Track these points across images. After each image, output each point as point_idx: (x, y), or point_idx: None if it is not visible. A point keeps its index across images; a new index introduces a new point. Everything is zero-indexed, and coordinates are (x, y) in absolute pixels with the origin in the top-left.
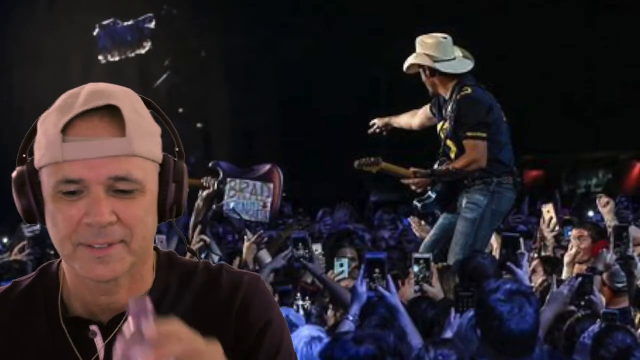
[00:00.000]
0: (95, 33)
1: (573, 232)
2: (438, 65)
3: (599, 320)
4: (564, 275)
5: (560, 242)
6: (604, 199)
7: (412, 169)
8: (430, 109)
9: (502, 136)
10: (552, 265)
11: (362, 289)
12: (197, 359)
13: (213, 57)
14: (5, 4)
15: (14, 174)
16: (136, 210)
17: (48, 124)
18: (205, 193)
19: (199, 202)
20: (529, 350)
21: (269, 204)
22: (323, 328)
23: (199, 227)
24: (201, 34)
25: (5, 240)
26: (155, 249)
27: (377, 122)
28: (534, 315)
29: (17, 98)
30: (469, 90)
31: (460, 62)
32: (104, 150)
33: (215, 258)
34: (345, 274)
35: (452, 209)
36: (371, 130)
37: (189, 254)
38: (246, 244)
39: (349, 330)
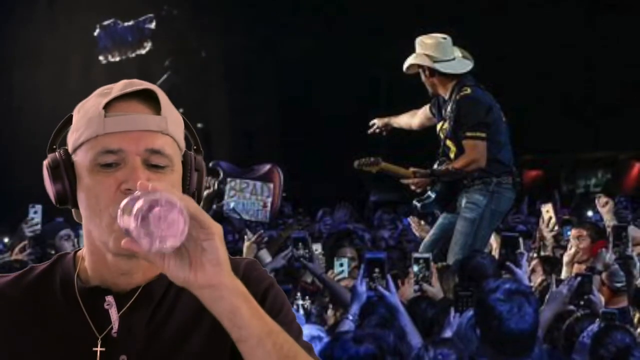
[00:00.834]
0: (96, 33)
1: (572, 232)
2: (438, 66)
3: (598, 319)
4: (563, 275)
5: (560, 242)
6: (603, 199)
7: (411, 169)
8: (430, 109)
9: (502, 136)
10: (551, 265)
11: (362, 288)
12: (201, 215)
13: (213, 57)
14: (5, 4)
15: (46, 160)
16: (167, 185)
17: (87, 107)
18: (205, 193)
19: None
20: (528, 350)
21: (269, 204)
22: (323, 327)
23: None
24: (201, 34)
25: (6, 240)
26: None
27: (377, 122)
28: (533, 314)
29: (17, 98)
30: (469, 91)
31: (459, 62)
32: (142, 125)
33: None
34: (345, 274)
35: (452, 208)
36: (371, 130)
37: None
38: (246, 243)
39: (348, 330)
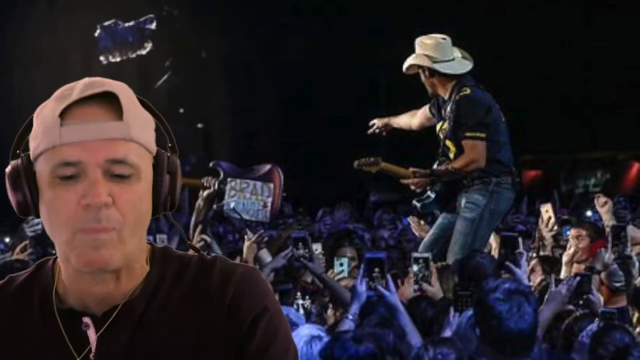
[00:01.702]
0: (96, 34)
1: (571, 232)
2: (437, 66)
3: (597, 319)
4: (563, 274)
5: (559, 242)
6: (602, 199)
7: (411, 169)
8: (430, 109)
9: (501, 136)
10: (550, 264)
11: (362, 288)
12: None
13: (213, 58)
14: (5, 4)
15: (8, 169)
16: (131, 196)
17: (45, 113)
18: (205, 193)
19: (199, 202)
20: (527, 349)
21: (269, 204)
22: (323, 327)
23: (199, 227)
24: (202, 35)
25: (7, 239)
26: (150, 243)
27: (376, 122)
28: (532, 314)
29: (17, 98)
30: (468, 91)
31: (459, 62)
32: (102, 133)
33: None
34: (345, 274)
35: (451, 208)
36: (371, 130)
37: (191, 251)
38: (247, 243)
39: (348, 329)
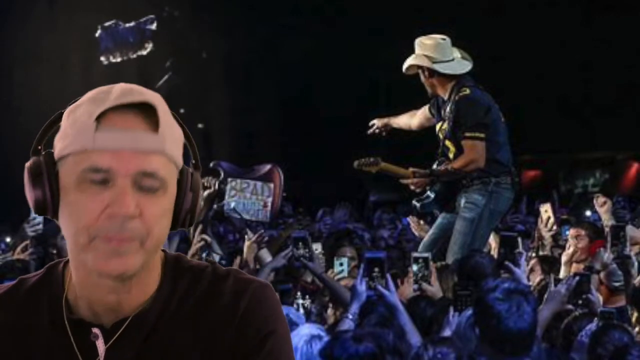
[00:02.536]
0: (97, 34)
1: (570, 232)
2: (437, 67)
3: (596, 318)
4: (562, 274)
5: (558, 242)
6: (601, 199)
7: (411, 169)
8: (429, 109)
9: (500, 136)
10: (549, 264)
11: (362, 287)
12: None
13: (214, 58)
14: (5, 4)
15: (28, 163)
16: (157, 209)
17: (79, 114)
18: (206, 193)
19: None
20: (527, 349)
21: (269, 204)
22: (323, 327)
23: (200, 227)
24: (202, 35)
25: (8, 239)
26: (164, 251)
27: (376, 122)
28: (531, 313)
29: (17, 98)
30: (468, 91)
31: (458, 63)
32: (136, 143)
33: (216, 257)
34: (345, 273)
35: (451, 208)
36: (371, 130)
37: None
38: (247, 243)
39: (348, 329)
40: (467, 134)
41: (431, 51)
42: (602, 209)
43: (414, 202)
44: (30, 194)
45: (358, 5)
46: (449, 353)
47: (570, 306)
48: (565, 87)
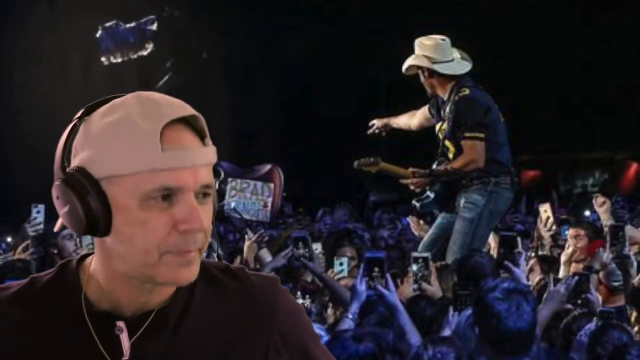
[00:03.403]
0: (98, 35)
1: (570, 232)
2: (436, 67)
3: (595, 318)
4: (561, 274)
5: (557, 242)
6: (601, 199)
7: (411, 169)
8: (429, 109)
9: (500, 136)
10: (549, 264)
11: (362, 287)
12: None
13: (214, 58)
14: (4, 4)
15: (63, 184)
16: (210, 216)
17: (130, 131)
18: None
19: None
20: (526, 348)
21: (269, 204)
22: (323, 326)
23: None
24: (202, 36)
25: (9, 239)
26: None
27: (376, 122)
28: (531, 313)
29: (17, 98)
30: (467, 91)
31: (458, 63)
32: (198, 160)
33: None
34: (345, 273)
35: (451, 208)
36: (370, 130)
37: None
38: (247, 243)
39: (348, 329)
40: (467, 134)
41: (431, 51)
42: (602, 209)
43: (413, 202)
44: (74, 217)
45: (358, 5)
46: (449, 353)
47: (569, 306)
48: (565, 87)
